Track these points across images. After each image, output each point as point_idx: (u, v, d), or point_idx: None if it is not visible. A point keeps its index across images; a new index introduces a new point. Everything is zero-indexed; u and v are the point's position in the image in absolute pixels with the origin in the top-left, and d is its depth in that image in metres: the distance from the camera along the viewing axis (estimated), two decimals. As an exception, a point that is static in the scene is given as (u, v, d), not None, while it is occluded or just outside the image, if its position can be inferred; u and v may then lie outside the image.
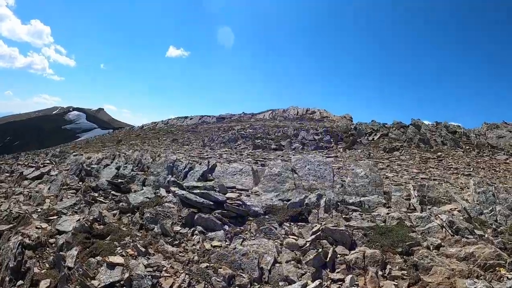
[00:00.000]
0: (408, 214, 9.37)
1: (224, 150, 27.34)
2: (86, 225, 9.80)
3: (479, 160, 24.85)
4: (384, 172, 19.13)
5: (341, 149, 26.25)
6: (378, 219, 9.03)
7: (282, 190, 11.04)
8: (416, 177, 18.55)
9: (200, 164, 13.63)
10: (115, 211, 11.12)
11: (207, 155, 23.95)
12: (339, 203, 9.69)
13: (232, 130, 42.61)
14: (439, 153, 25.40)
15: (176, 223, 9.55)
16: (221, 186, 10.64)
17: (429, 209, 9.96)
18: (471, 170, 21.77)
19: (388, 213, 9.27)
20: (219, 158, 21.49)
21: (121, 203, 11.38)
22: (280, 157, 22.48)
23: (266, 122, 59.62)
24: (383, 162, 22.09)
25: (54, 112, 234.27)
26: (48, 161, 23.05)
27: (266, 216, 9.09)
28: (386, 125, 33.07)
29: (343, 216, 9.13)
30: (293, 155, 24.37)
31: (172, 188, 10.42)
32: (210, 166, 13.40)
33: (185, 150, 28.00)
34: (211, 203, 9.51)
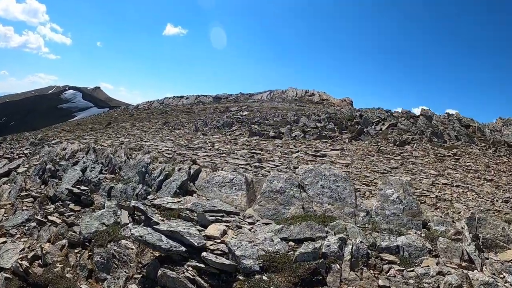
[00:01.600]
0: (466, 272, 6.26)
1: (217, 136, 24.18)
2: (21, 267, 6.82)
3: (498, 161, 21.95)
4: (399, 174, 16.18)
5: (347, 139, 23.13)
6: (426, 283, 5.94)
7: (286, 217, 7.93)
8: (436, 182, 15.73)
9: (179, 170, 10.32)
10: (63, 242, 8.11)
11: (198, 143, 20.85)
12: (369, 251, 6.53)
13: (228, 113, 39.40)
14: (455, 150, 22.35)
15: (133, 277, 6.47)
16: (201, 216, 7.41)
17: (487, 259, 6.91)
18: (492, 174, 18.92)
19: (439, 272, 6.17)
20: (210, 149, 18.40)
21: (69, 233, 8.29)
22: (279, 149, 19.36)
23: (264, 103, 56.49)
24: (395, 159, 19.08)
25: (50, 91, 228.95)
26: (23, 152, 19.85)
27: (264, 277, 5.82)
28: (393, 114, 29.89)
29: (377, 275, 6.00)
30: (293, 144, 21.29)
31: (131, 229, 6.98)
32: (191, 173, 10.15)
33: (174, 137, 24.89)
34: (183, 249, 6.31)
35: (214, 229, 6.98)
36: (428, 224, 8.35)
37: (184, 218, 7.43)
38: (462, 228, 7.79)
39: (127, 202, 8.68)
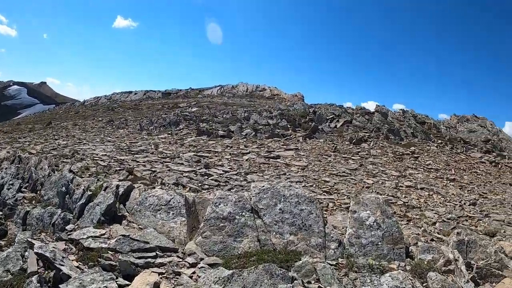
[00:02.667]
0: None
1: (163, 136, 22.05)
2: None
3: (457, 159, 20.93)
4: (360, 176, 14.66)
5: (301, 137, 21.44)
6: None
7: (237, 254, 6.04)
8: (400, 184, 14.43)
9: (106, 190, 8.15)
10: None
11: (140, 145, 18.77)
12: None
13: (176, 109, 37.19)
14: (413, 148, 21.11)
15: None
16: (124, 264, 5.36)
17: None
18: (453, 173, 17.81)
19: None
20: (152, 152, 16.33)
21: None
22: (229, 151, 17.44)
23: (214, 99, 54.55)
24: (354, 159, 17.57)
25: None
26: None
27: None
28: (348, 110, 28.41)
29: None
30: (244, 144, 19.41)
31: None
32: (120, 193, 8.03)
33: (117, 137, 22.63)
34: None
35: (141, 283, 4.98)
36: (411, 250, 6.69)
37: (103, 266, 5.38)
38: (456, 260, 6.17)
39: (34, 241, 6.56)
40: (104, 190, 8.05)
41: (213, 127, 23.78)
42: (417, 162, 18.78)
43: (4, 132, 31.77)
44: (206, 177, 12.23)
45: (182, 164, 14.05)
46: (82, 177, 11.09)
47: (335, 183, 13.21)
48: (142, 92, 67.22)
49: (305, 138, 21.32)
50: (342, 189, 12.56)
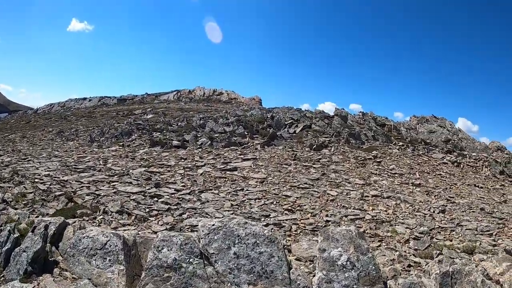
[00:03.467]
0: None
1: (113, 149, 20.62)
2: None
3: (419, 161, 20.29)
4: (323, 188, 13.70)
5: (259, 145, 20.31)
6: None
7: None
8: (365, 194, 13.48)
9: (33, 232, 6.71)
10: None
11: (88, 160, 17.44)
12: None
13: (130, 117, 35.62)
14: (374, 152, 20.32)
15: None
16: None
17: None
18: (418, 177, 17.11)
19: None
20: (100, 170, 14.93)
21: None
22: (183, 163, 16.20)
23: (171, 104, 53.06)
24: (315, 168, 16.56)
25: None
26: None
27: None
28: (307, 114, 27.44)
29: None
30: (199, 155, 18.19)
31: None
32: (51, 233, 6.64)
33: (65, 151, 21.17)
34: None
35: None
36: (390, 286, 5.67)
37: None
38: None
39: None
40: (32, 231, 6.64)
41: (167, 136, 22.42)
42: (380, 167, 17.95)
43: None
44: (156, 199, 10.98)
45: (131, 183, 12.72)
46: (16, 208, 9.74)
47: (297, 197, 12.16)
48: (97, 99, 64.97)
49: (263, 146, 20.22)
50: (305, 205, 11.51)
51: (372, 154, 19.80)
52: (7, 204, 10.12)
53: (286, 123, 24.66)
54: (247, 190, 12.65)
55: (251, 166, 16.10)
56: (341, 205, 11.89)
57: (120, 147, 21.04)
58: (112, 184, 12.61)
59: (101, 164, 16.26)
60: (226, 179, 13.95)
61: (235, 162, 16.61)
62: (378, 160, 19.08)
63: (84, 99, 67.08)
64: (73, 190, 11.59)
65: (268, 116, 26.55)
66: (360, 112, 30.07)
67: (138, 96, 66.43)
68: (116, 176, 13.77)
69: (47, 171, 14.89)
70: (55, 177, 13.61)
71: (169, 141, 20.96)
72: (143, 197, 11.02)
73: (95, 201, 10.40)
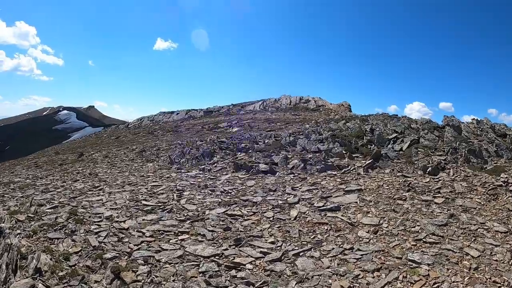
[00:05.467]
0: None
1: (193, 174, 17.86)
2: None
3: None
4: (457, 242, 10.06)
5: (361, 168, 16.59)
6: None
7: None
8: None
9: None
10: None
11: (162, 192, 14.54)
12: None
13: (215, 130, 33.01)
14: (503, 175, 15.80)
15: None
16: None
17: None
18: None
19: None
20: (171, 209, 11.87)
21: None
22: (272, 199, 12.91)
23: (257, 115, 50.24)
24: (437, 203, 12.86)
25: (44, 113, 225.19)
26: None
27: None
28: (412, 126, 23.27)
29: None
30: (291, 185, 14.86)
31: None
32: None
33: (142, 176, 18.86)
34: None
35: None
36: None
37: None
38: None
39: None
40: None
41: (253, 158, 19.29)
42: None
43: (36, 166, 28.32)
44: (234, 271, 7.70)
45: (204, 237, 9.58)
46: (47, 285, 7.04)
47: (428, 264, 8.42)
48: (184, 112, 64.02)
49: (367, 169, 16.51)
50: (443, 281, 7.76)
51: (502, 179, 15.46)
52: (40, 276, 7.37)
53: (389, 137, 20.71)
54: (358, 249, 9.10)
55: (357, 202, 12.50)
56: (490, 278, 8.02)
57: (200, 172, 18.19)
58: (179, 237, 9.56)
59: (174, 199, 13.39)
60: (328, 227, 10.47)
61: (336, 196, 13.09)
62: (511, 187, 14.74)
63: (172, 112, 66.67)
64: (128, 251, 8.64)
65: (367, 129, 22.69)
66: (474, 119, 25.28)
67: (224, 107, 64.67)
68: (188, 222, 10.74)
69: (112, 209, 12.28)
70: (116, 221, 10.87)
71: (255, 164, 17.80)
72: (217, 268, 7.84)
73: (149, 278, 7.33)
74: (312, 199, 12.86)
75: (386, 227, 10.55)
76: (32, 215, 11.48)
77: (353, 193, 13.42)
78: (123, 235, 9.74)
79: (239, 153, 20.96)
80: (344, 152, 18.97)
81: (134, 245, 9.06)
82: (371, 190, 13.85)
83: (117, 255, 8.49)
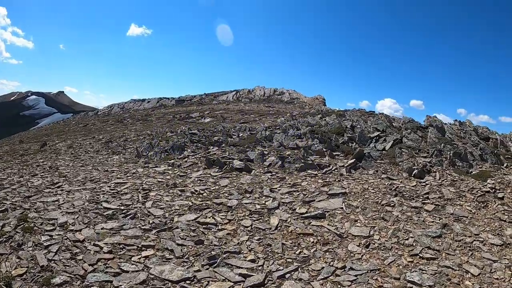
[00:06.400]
0: None
1: (161, 170, 16.43)
2: None
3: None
4: (454, 256, 8.94)
5: (343, 168, 15.37)
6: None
7: None
8: None
9: None
10: None
11: (126, 191, 13.11)
12: None
13: (187, 120, 31.45)
14: (490, 181, 14.84)
15: None
16: None
17: None
18: None
19: None
20: (135, 214, 10.39)
21: None
22: (249, 204, 11.60)
23: (230, 105, 48.75)
24: (428, 211, 11.79)
25: (12, 98, 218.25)
26: None
27: None
28: (393, 124, 22.21)
29: None
30: (269, 186, 13.59)
31: None
32: None
33: (106, 171, 17.30)
34: None
35: None
36: None
37: None
38: None
39: None
40: None
41: (227, 153, 17.86)
42: (506, 207, 12.60)
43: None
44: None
45: (172, 253, 8.17)
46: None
47: (430, 287, 7.24)
48: (155, 100, 62.14)
49: (350, 170, 15.28)
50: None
51: (489, 185, 14.46)
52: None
53: (371, 136, 19.53)
54: (351, 268, 7.84)
55: (342, 208, 11.24)
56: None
57: (170, 168, 16.68)
58: (143, 253, 8.11)
59: (139, 200, 11.90)
60: (314, 240, 9.17)
61: (319, 200, 11.80)
62: (499, 194, 13.73)
63: (143, 100, 64.73)
64: (81, 274, 7.17)
65: (348, 126, 21.46)
66: (456, 121, 24.39)
67: (196, 96, 62.99)
68: (153, 232, 9.28)
69: (68, 213, 10.74)
70: (71, 230, 9.35)
71: (229, 161, 16.39)
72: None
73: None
74: (293, 203, 11.52)
75: (378, 239, 9.33)
76: None
77: (337, 197, 12.15)
78: (78, 250, 8.24)
79: (211, 147, 19.50)
80: (324, 150, 17.71)
81: (89, 264, 7.58)
82: (356, 194, 12.60)
83: (68, 279, 7.02)
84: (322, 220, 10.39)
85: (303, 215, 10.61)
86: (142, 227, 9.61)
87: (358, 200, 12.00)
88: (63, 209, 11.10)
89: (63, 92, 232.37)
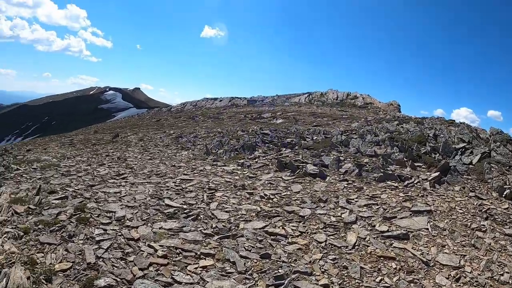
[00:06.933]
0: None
1: (229, 169, 15.53)
2: None
3: None
4: None
5: (427, 182, 13.72)
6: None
7: None
8: None
9: None
10: None
11: (191, 189, 12.25)
12: None
13: (258, 120, 30.53)
14: None
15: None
16: None
17: None
18: None
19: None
20: (197, 215, 9.39)
21: None
22: (322, 215, 10.32)
23: (302, 108, 47.41)
24: None
25: (91, 92, 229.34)
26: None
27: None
28: (480, 135, 20.11)
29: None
30: (346, 196, 12.25)
31: None
32: None
33: (172, 166, 16.58)
34: None
35: None
36: None
37: None
38: None
39: None
40: None
41: (300, 156, 16.63)
42: None
43: (68, 145, 26.55)
44: None
45: (234, 266, 7.08)
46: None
47: None
48: (227, 99, 61.93)
49: (434, 184, 13.61)
50: None
51: None
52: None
53: (456, 147, 17.62)
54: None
55: (428, 229, 9.72)
56: None
57: (239, 167, 15.69)
58: (201, 263, 7.09)
59: (204, 200, 10.96)
60: (397, 266, 7.77)
61: (402, 217, 10.32)
62: None
63: (216, 99, 64.85)
64: (128, 279, 6.30)
65: (430, 135, 19.60)
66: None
67: (268, 97, 62.20)
68: (215, 239, 8.23)
69: (128, 206, 10.04)
70: (127, 226, 8.57)
71: (303, 165, 15.17)
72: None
73: None
74: (372, 218, 10.13)
75: (470, 272, 7.79)
76: (34, 207, 9.34)
77: (421, 215, 10.62)
78: (130, 249, 7.37)
79: (284, 148, 18.34)
80: (405, 159, 16.09)
81: (140, 268, 6.67)
82: (442, 213, 10.99)
83: (114, 282, 6.13)
84: (405, 241, 8.94)
85: (384, 234, 9.20)
86: (204, 231, 8.62)
87: (445, 221, 10.39)
88: (124, 202, 10.46)
89: (139, 88, 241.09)
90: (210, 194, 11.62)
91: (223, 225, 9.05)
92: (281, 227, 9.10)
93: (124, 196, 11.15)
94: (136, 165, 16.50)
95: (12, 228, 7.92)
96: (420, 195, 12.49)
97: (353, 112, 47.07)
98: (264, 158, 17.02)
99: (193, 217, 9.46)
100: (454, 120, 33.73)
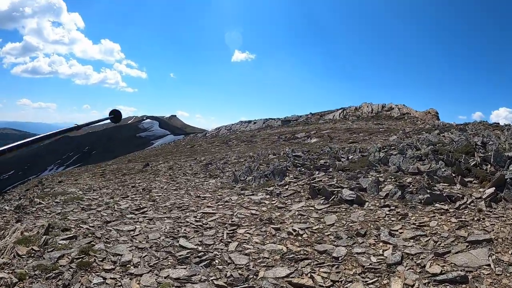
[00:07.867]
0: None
1: (257, 198, 14.01)
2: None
3: None
4: None
5: (481, 201, 11.68)
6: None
7: None
8: None
9: None
10: None
11: (211, 224, 10.80)
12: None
13: (292, 141, 28.94)
14: None
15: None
16: None
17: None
18: None
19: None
20: (213, 259, 7.76)
21: None
22: (361, 252, 8.58)
23: (337, 124, 45.73)
24: None
25: (129, 122, 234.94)
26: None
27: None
28: (535, 142, 17.80)
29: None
30: (388, 227, 10.43)
31: None
32: None
33: (197, 197, 15.09)
34: None
35: None
36: None
37: None
38: None
39: None
40: None
41: (334, 180, 14.86)
42: None
43: (100, 174, 25.77)
44: None
45: None
46: None
47: None
48: (261, 121, 61.01)
49: (490, 203, 11.58)
50: None
51: None
52: None
53: (509, 154, 15.39)
54: None
55: (490, 265, 7.73)
56: None
57: (267, 196, 14.09)
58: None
59: (223, 240, 9.40)
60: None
61: (457, 252, 8.36)
62: None
63: (250, 121, 64.37)
64: None
65: (478, 143, 17.38)
66: None
67: (302, 116, 60.70)
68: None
69: (138, 248, 8.73)
70: (130, 273, 7.20)
71: (338, 190, 13.42)
72: None
73: None
74: (421, 256, 8.21)
75: None
76: (37, 248, 8.16)
77: (480, 246, 8.63)
78: None
79: (316, 172, 16.59)
80: (453, 175, 14.10)
81: None
82: (505, 241, 8.95)
83: None
84: (464, 286, 7.02)
85: (437, 278, 7.25)
86: (215, 282, 7.01)
87: (510, 252, 8.37)
88: (134, 243, 9.15)
89: (175, 115, 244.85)
90: (231, 231, 10.03)
91: (239, 273, 7.38)
92: (308, 275, 7.29)
93: (137, 235, 9.81)
94: (160, 197, 15.22)
95: (8, 273, 6.77)
96: (475, 218, 10.45)
97: (390, 124, 44.86)
98: (295, 184, 15.31)
99: (206, 262, 7.91)
100: (498, 123, 31.16)
